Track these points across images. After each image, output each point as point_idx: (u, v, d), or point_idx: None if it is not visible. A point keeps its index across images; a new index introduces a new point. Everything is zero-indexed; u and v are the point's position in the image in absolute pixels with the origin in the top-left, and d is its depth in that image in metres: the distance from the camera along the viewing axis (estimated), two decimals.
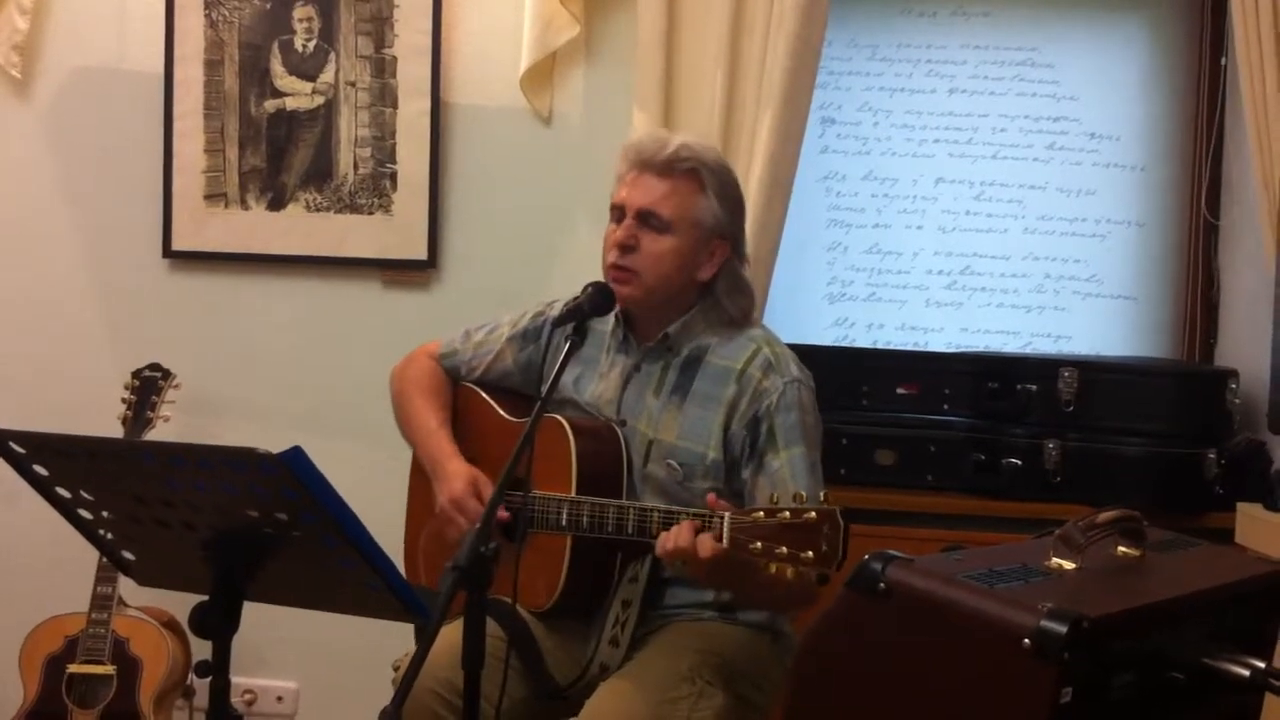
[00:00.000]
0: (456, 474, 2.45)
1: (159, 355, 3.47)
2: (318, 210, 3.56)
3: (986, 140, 3.63)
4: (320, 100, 3.56)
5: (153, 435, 3.34)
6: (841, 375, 3.30)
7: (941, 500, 3.23)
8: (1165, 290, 3.59)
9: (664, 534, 2.13)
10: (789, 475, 2.31)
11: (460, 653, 1.88)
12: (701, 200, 2.40)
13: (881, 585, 1.61)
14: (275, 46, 3.56)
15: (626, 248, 2.39)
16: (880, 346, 3.62)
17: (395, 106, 3.52)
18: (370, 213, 3.54)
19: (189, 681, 3.34)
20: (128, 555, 2.01)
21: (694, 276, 2.44)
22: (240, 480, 1.77)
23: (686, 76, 3.28)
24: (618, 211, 2.44)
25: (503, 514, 2.31)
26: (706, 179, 2.41)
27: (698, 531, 2.08)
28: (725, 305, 2.46)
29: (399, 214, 3.53)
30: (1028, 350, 3.60)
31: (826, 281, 3.68)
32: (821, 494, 2.07)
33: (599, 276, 2.44)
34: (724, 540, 2.04)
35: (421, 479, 2.63)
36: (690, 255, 2.41)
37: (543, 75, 3.46)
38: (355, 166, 3.54)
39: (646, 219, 2.39)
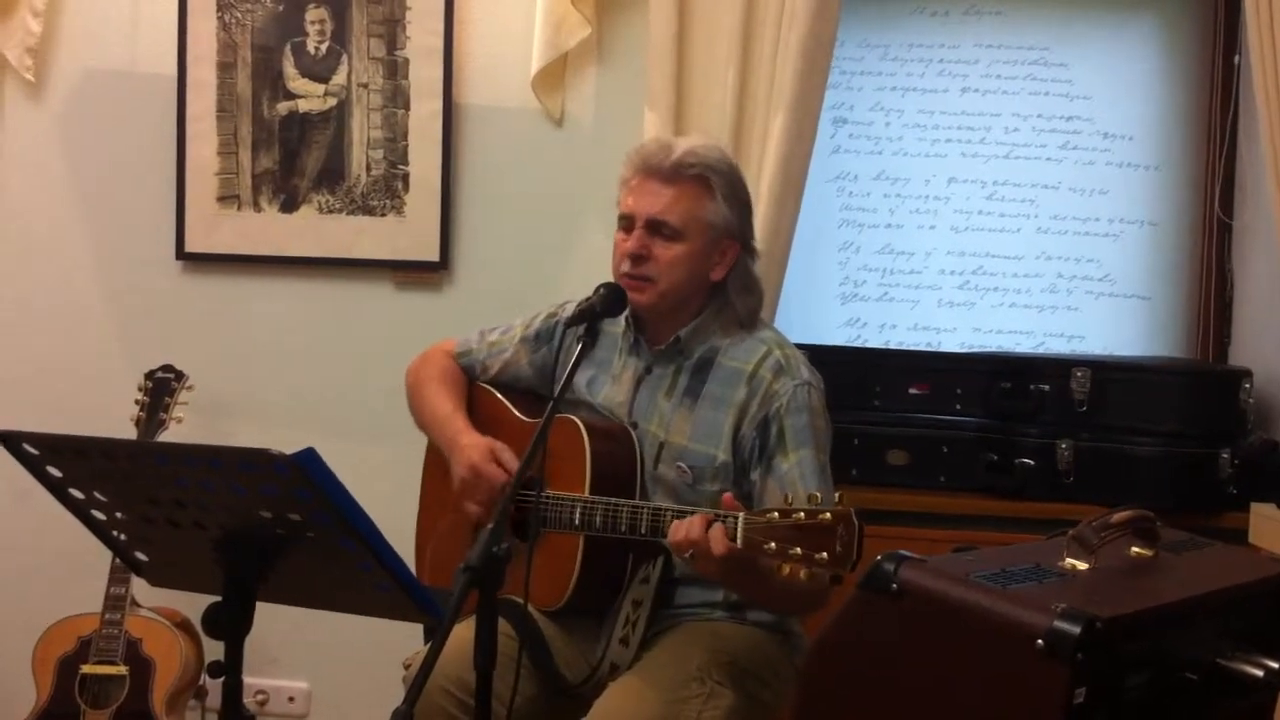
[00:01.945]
0: (473, 444, 2.45)
1: (172, 356, 3.48)
2: (330, 212, 3.57)
3: (999, 140, 3.62)
4: (332, 102, 3.56)
5: (165, 436, 3.35)
6: (853, 375, 3.29)
7: (954, 500, 3.22)
8: (1178, 290, 3.58)
9: (676, 523, 2.12)
10: (798, 477, 2.31)
11: (471, 652, 1.88)
12: (710, 204, 2.40)
13: (894, 585, 1.61)
14: (288, 49, 3.57)
15: (639, 258, 2.39)
16: (892, 347, 3.61)
17: (407, 108, 3.52)
18: (382, 214, 3.55)
19: (201, 682, 3.35)
20: (141, 556, 2.02)
21: (706, 278, 2.44)
22: (253, 481, 1.77)
23: (698, 77, 3.28)
24: (626, 221, 2.44)
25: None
26: (714, 182, 2.41)
27: (710, 525, 2.08)
28: (736, 304, 2.47)
29: (411, 215, 3.53)
30: (1040, 350, 3.59)
31: (839, 281, 3.67)
32: (835, 496, 2.07)
33: (611, 278, 2.44)
34: (738, 540, 2.03)
35: (434, 477, 2.63)
36: (702, 259, 2.42)
37: (554, 77, 3.46)
38: (367, 168, 3.55)
39: (657, 228, 2.40)
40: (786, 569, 1.98)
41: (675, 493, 2.39)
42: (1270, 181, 3.03)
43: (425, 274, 3.56)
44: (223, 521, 1.84)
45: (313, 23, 3.55)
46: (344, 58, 3.55)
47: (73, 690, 3.21)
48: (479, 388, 2.67)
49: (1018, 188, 3.62)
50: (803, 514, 1.98)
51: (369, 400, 3.52)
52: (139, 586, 3.23)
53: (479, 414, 2.62)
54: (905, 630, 1.62)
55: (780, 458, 2.33)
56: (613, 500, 2.28)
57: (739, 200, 2.46)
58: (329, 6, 3.54)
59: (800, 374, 2.40)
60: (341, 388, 3.61)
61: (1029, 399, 3.22)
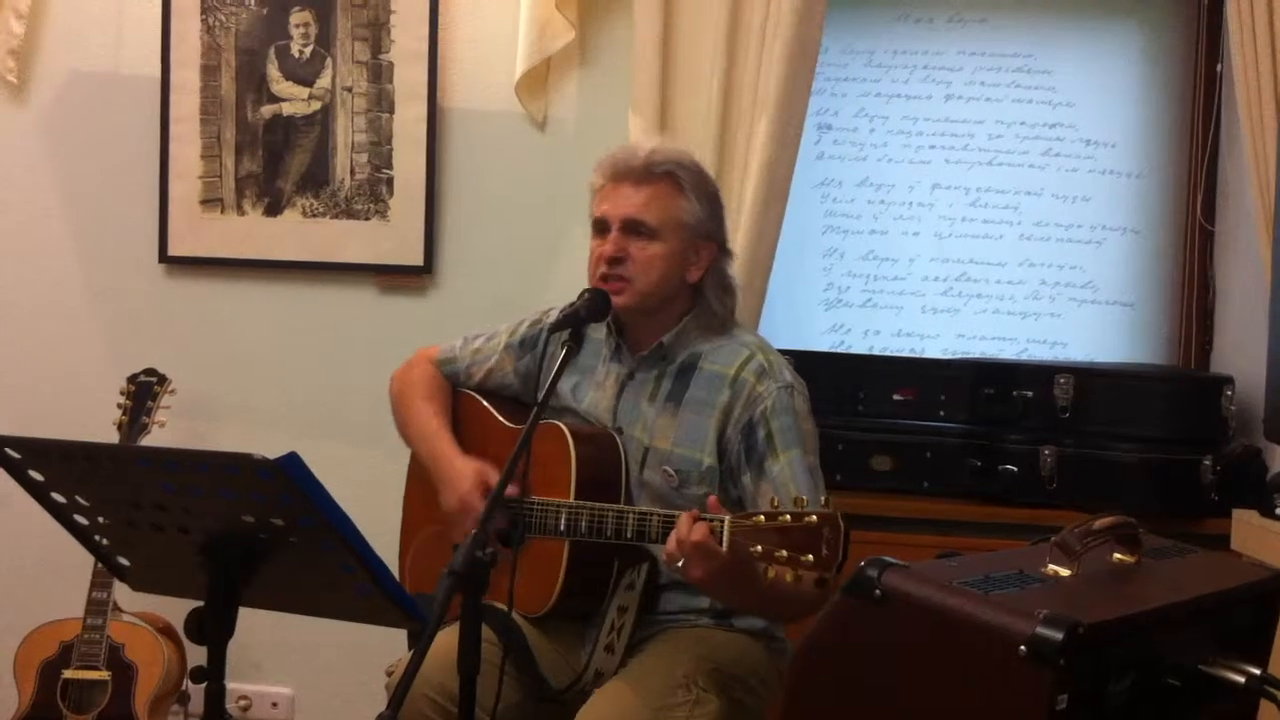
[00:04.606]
0: (462, 474, 2.44)
1: (155, 360, 3.46)
2: (314, 216, 3.56)
3: (983, 146, 3.64)
4: (317, 105, 3.56)
5: (148, 440, 3.33)
6: (838, 381, 3.30)
7: (937, 506, 3.23)
8: (1161, 296, 3.60)
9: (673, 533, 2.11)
10: (789, 478, 2.31)
11: (454, 658, 1.88)
12: (683, 202, 2.41)
13: (878, 591, 1.61)
14: (272, 52, 3.56)
15: (616, 260, 2.40)
16: (876, 353, 3.62)
17: (392, 112, 3.52)
18: (366, 218, 3.54)
19: (184, 687, 3.33)
20: (123, 561, 2.01)
21: (684, 279, 2.44)
22: (236, 485, 1.77)
23: (682, 82, 3.28)
24: (601, 225, 2.44)
25: (501, 523, 2.30)
26: (684, 180, 2.42)
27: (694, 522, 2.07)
28: (714, 306, 2.47)
29: (395, 220, 3.53)
30: (1024, 356, 3.60)
31: (823, 287, 3.68)
32: (823, 498, 2.07)
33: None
34: (724, 543, 2.03)
35: (418, 484, 2.63)
36: (679, 258, 2.42)
37: (538, 81, 3.46)
38: (352, 172, 3.54)
39: (633, 228, 2.40)
40: (772, 572, 1.98)
41: (661, 497, 2.39)
42: (1252, 188, 3.05)
43: (409, 278, 3.56)
44: (205, 526, 1.84)
45: (297, 26, 3.55)
46: (328, 61, 3.54)
47: (55, 695, 3.20)
48: (464, 395, 2.66)
49: (1001, 194, 3.63)
50: (788, 516, 1.99)
51: (353, 405, 3.51)
52: (121, 591, 3.20)
53: (464, 421, 2.62)
54: (889, 636, 1.62)
55: (770, 460, 2.33)
56: (598, 505, 2.28)
57: (710, 198, 2.47)
58: (314, 10, 3.53)
59: (783, 377, 2.40)
60: (325, 392, 3.60)
61: (1012, 405, 3.23)
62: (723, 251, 2.50)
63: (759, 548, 1.98)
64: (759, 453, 2.34)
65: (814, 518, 1.97)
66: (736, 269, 2.57)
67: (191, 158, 3.59)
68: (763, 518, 2.01)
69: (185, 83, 3.57)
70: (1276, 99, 2.99)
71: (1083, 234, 3.62)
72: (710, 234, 2.46)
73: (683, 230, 2.42)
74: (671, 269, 2.42)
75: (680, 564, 2.09)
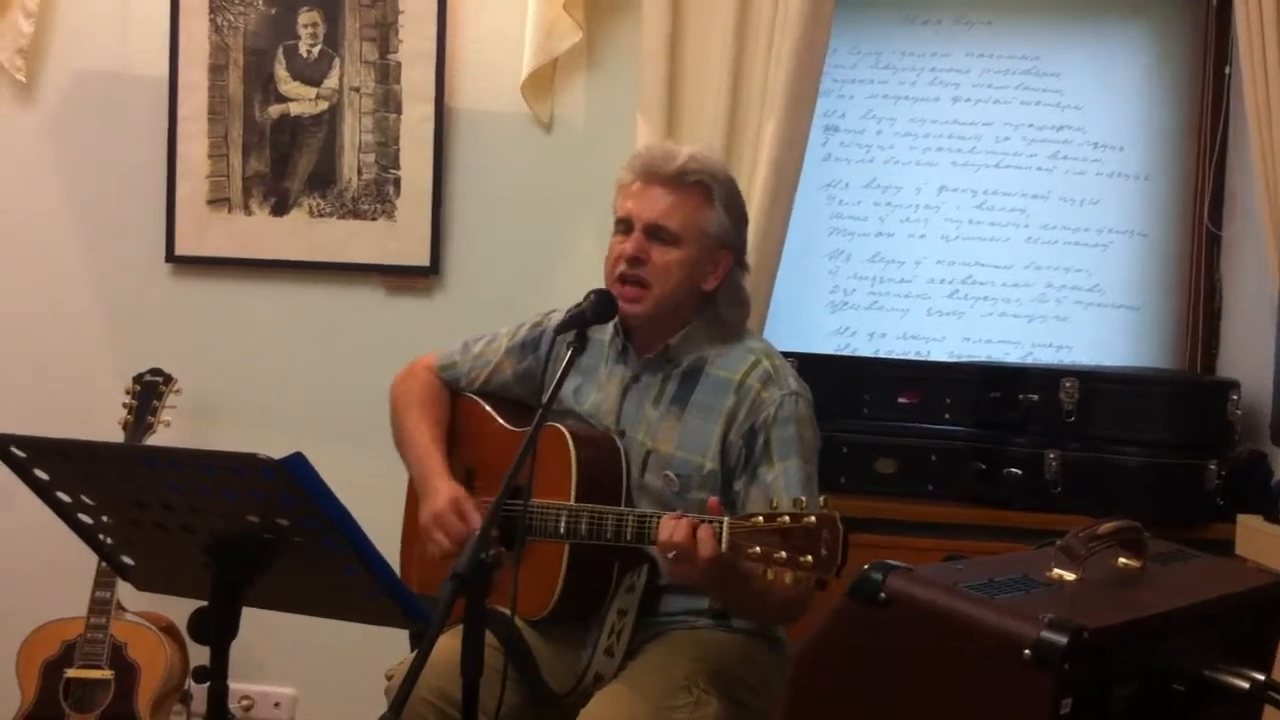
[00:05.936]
0: (439, 491, 2.44)
1: (160, 360, 3.46)
2: (321, 216, 3.56)
3: (989, 149, 3.63)
4: (324, 105, 3.56)
5: (153, 440, 3.33)
6: (842, 384, 3.30)
7: (942, 510, 3.23)
8: (1167, 300, 3.59)
9: (665, 520, 2.11)
10: (783, 486, 2.31)
11: (454, 662, 1.88)
12: (709, 212, 2.41)
13: (882, 594, 1.61)
14: (280, 52, 3.56)
15: (636, 260, 2.39)
16: (882, 355, 3.62)
17: (399, 112, 3.52)
18: (373, 218, 3.54)
19: (187, 687, 3.34)
20: (127, 560, 2.01)
21: (699, 287, 2.44)
22: (241, 485, 1.77)
23: (690, 83, 3.28)
24: (624, 224, 2.44)
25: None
26: (715, 191, 2.42)
27: (696, 529, 2.07)
28: (724, 315, 2.47)
29: (402, 220, 3.53)
30: (1029, 360, 3.60)
31: (828, 290, 3.68)
32: (820, 503, 2.06)
33: (601, 283, 2.44)
34: (723, 544, 2.03)
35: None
36: (697, 266, 2.42)
37: (543, 81, 3.46)
38: (359, 172, 3.54)
39: (656, 232, 2.39)
40: (771, 573, 1.98)
41: (662, 501, 2.38)
42: (1259, 193, 3.05)
43: (416, 278, 3.56)
44: (209, 526, 1.84)
45: (305, 26, 3.55)
46: (336, 61, 3.54)
47: (57, 694, 3.20)
48: (464, 398, 2.66)
49: (1008, 197, 3.63)
50: (787, 518, 1.99)
51: (358, 405, 3.50)
52: (124, 591, 3.21)
53: (465, 425, 2.62)
54: (892, 639, 1.62)
55: (765, 467, 2.34)
56: (598, 508, 2.28)
57: (736, 211, 2.47)
58: (321, 9, 3.54)
59: (788, 384, 2.40)
60: (331, 392, 3.60)
61: (1017, 409, 3.22)
62: (739, 263, 2.50)
63: (757, 549, 1.98)
64: (756, 459, 2.35)
65: (813, 519, 1.97)
66: None
67: (199, 157, 3.59)
68: (761, 519, 2.01)
69: (193, 82, 3.58)
70: None
71: (1089, 237, 3.61)
72: (730, 244, 2.46)
73: (704, 239, 2.42)
74: (688, 276, 2.42)
75: (672, 555, 2.08)
